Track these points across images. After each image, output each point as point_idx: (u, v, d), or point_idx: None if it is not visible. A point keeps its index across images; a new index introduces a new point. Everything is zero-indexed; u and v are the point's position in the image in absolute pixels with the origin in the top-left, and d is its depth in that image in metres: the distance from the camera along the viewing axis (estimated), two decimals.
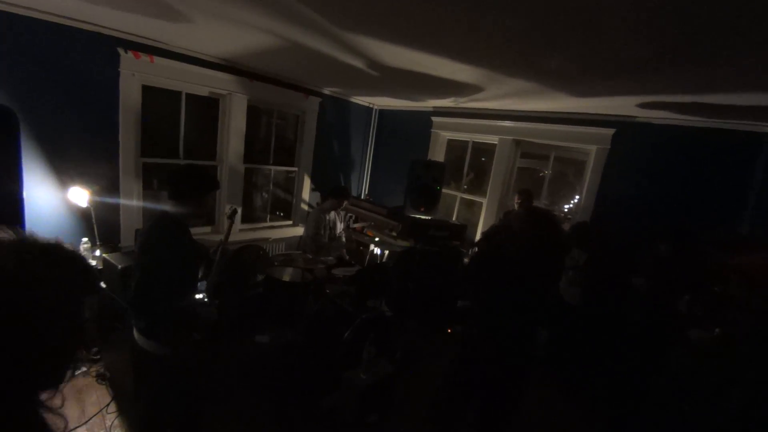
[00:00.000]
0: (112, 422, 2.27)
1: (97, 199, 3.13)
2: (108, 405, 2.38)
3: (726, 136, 3.15)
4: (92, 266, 0.60)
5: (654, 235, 3.06)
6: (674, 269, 2.79)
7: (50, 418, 0.57)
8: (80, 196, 2.98)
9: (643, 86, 2.54)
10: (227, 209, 2.19)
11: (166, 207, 1.79)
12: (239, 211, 3.05)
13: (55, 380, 0.59)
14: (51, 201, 2.98)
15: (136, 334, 1.80)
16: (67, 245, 0.61)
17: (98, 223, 3.12)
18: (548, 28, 1.74)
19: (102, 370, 2.64)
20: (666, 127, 3.43)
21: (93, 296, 0.62)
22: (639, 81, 2.43)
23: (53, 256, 0.56)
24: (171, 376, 1.82)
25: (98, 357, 2.76)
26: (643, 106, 3.07)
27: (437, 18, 1.80)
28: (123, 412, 2.35)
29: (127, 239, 3.42)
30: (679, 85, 2.36)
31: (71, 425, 2.13)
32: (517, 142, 4.51)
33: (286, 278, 3.37)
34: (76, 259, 0.60)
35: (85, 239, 3.08)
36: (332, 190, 3.96)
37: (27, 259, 0.53)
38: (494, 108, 4.39)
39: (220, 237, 2.15)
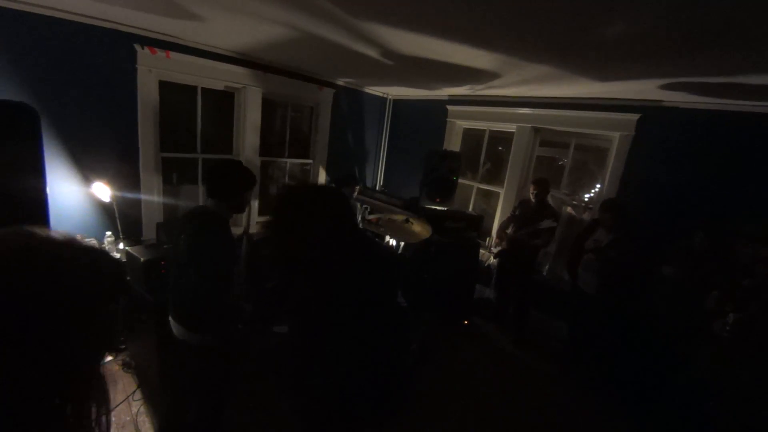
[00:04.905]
0: (138, 409, 2.35)
1: (119, 194, 3.21)
2: (134, 393, 2.47)
3: (761, 120, 2.98)
4: (122, 267, 0.63)
5: (684, 226, 2.92)
6: (707, 262, 2.65)
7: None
8: (103, 191, 3.05)
9: (671, 68, 2.41)
10: None
11: (207, 204, 1.77)
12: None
13: (81, 383, 0.58)
14: (75, 196, 3.07)
15: (176, 327, 1.80)
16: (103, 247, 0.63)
17: (121, 218, 3.20)
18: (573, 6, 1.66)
19: (128, 359, 2.74)
20: (695, 111, 3.25)
21: (122, 297, 0.65)
22: (665, 63, 2.30)
23: (95, 254, 0.59)
24: (214, 366, 1.85)
25: (124, 347, 2.86)
26: (669, 88, 2.92)
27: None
28: (148, 399, 2.43)
29: (148, 232, 3.51)
30: (710, 66, 2.23)
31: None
32: (536, 130, 4.38)
33: None
34: (113, 259, 0.62)
35: (108, 233, 3.17)
36: (340, 179, 3.87)
37: (77, 254, 0.56)
38: (512, 95, 4.27)
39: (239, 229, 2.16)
